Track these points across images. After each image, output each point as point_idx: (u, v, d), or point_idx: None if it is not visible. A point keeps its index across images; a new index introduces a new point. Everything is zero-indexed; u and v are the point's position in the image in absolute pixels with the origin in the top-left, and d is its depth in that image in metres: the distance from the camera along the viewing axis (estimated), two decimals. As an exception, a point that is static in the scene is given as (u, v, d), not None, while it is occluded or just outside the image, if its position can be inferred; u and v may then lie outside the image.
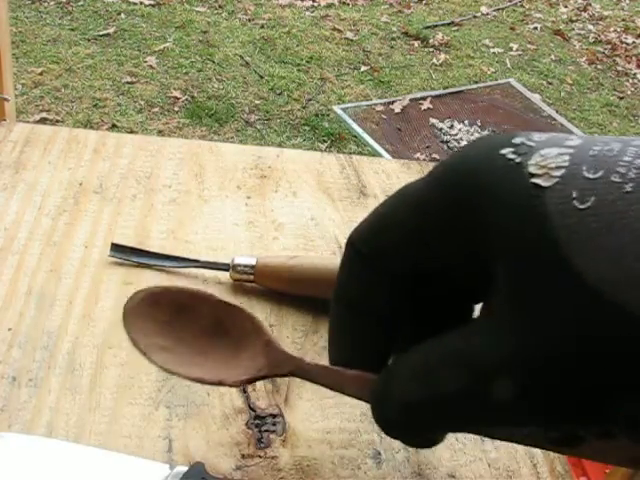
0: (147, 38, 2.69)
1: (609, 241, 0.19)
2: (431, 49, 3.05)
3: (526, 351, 0.20)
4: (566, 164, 0.20)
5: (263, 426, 0.38)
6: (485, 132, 2.50)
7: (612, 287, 0.18)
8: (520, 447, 0.40)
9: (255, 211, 0.53)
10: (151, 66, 2.52)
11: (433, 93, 2.70)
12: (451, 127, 2.49)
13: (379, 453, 0.38)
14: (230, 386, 0.33)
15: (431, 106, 2.61)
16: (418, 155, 2.31)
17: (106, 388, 0.39)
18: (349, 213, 0.55)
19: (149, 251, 0.47)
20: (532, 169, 0.21)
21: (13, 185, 0.52)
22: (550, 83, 2.98)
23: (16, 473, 0.33)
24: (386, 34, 3.11)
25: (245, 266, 0.45)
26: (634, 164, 0.19)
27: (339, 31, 3.05)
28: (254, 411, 0.39)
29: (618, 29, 3.63)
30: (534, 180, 0.21)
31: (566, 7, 3.76)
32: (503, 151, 0.22)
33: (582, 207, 0.19)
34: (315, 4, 3.23)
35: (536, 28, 3.44)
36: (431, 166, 0.63)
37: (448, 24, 3.30)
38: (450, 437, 0.39)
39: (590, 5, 3.83)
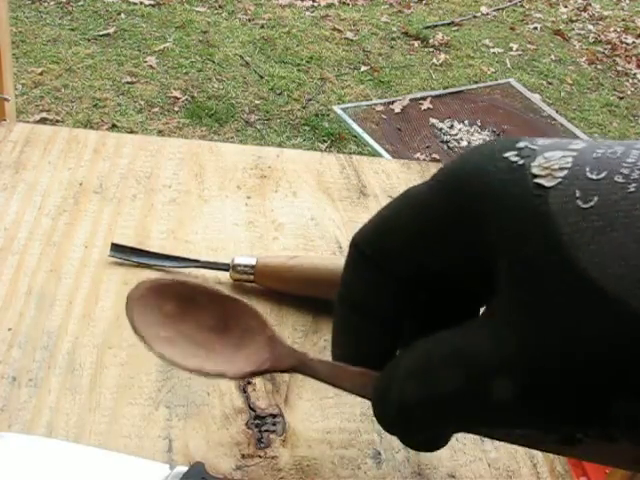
0: (147, 38, 2.69)
1: (612, 240, 0.19)
2: (431, 49, 3.05)
3: (527, 351, 0.20)
4: (569, 165, 0.21)
5: (263, 426, 0.38)
6: (485, 132, 2.50)
7: (616, 285, 0.18)
8: (520, 447, 0.40)
9: (255, 211, 0.53)
10: (151, 66, 2.52)
11: (433, 93, 2.70)
12: (451, 127, 2.49)
13: (379, 453, 0.38)
14: (231, 379, 0.32)
15: (431, 106, 2.61)
16: (418, 155, 2.31)
17: (106, 388, 0.39)
18: (349, 213, 0.55)
19: (149, 251, 0.47)
20: (535, 170, 0.21)
21: (13, 185, 0.52)
22: (550, 83, 2.98)
23: (16, 473, 0.33)
24: (386, 34, 3.11)
25: (245, 266, 0.45)
26: (637, 165, 0.20)
27: (339, 31, 3.05)
28: (254, 411, 0.39)
29: (618, 29, 3.63)
30: (537, 180, 0.21)
31: (566, 7, 3.76)
32: (506, 154, 0.22)
33: (585, 206, 0.19)
34: (315, 4, 3.23)
35: (536, 28, 3.44)
36: (431, 166, 0.63)
37: (448, 24, 3.30)
38: (450, 437, 0.39)
39: (590, 5, 3.83)
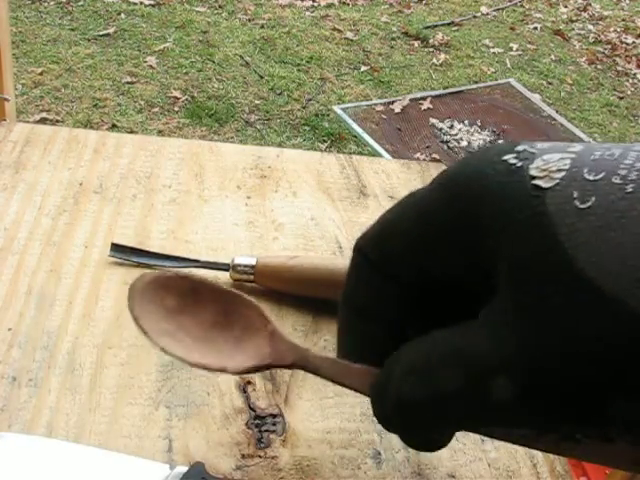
0: (147, 38, 2.69)
1: (610, 240, 0.19)
2: (431, 49, 3.05)
3: (527, 351, 0.20)
4: (567, 167, 0.21)
5: (263, 426, 0.38)
6: (485, 132, 2.50)
7: (613, 285, 0.18)
8: (520, 447, 0.40)
9: (255, 211, 0.53)
10: (151, 66, 2.52)
11: (433, 93, 2.70)
12: (451, 127, 2.49)
13: (379, 453, 0.38)
14: (232, 373, 0.32)
15: (431, 106, 2.61)
16: (418, 155, 2.31)
17: (106, 388, 0.39)
18: (349, 213, 0.55)
19: (149, 251, 0.47)
20: (533, 172, 0.21)
21: (13, 185, 0.52)
22: (550, 83, 2.98)
23: (16, 473, 0.33)
24: (386, 34, 3.11)
25: (245, 266, 0.45)
26: (635, 167, 0.20)
27: (339, 31, 3.05)
28: (254, 411, 0.39)
29: (618, 29, 3.63)
30: (535, 182, 0.21)
31: (566, 7, 3.76)
32: (505, 157, 0.22)
33: (583, 207, 0.20)
34: (315, 4, 3.23)
35: (536, 28, 3.44)
36: (431, 166, 0.63)
37: (448, 24, 3.30)
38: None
39: (590, 5, 3.83)
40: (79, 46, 2.56)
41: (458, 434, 0.39)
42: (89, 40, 2.61)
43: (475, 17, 3.42)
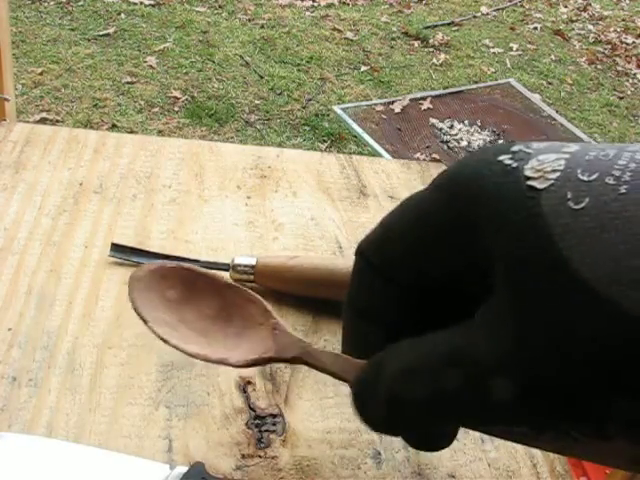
0: (147, 38, 2.69)
1: (603, 241, 0.19)
2: (431, 49, 3.05)
3: (525, 351, 0.20)
4: (562, 167, 0.21)
5: (263, 426, 0.38)
6: (485, 132, 2.50)
7: (607, 286, 0.18)
8: (520, 447, 0.40)
9: (255, 211, 0.53)
10: (151, 66, 2.52)
11: (433, 93, 2.70)
12: (451, 127, 2.49)
13: (379, 453, 0.38)
14: (234, 366, 0.32)
15: (431, 106, 2.61)
16: (418, 155, 2.31)
17: (106, 388, 0.39)
18: (349, 213, 0.55)
19: (149, 251, 0.47)
20: (528, 173, 0.21)
21: (13, 185, 0.52)
22: (550, 83, 2.98)
23: (16, 473, 0.33)
24: (386, 34, 3.11)
25: (245, 266, 0.45)
26: (629, 167, 0.20)
27: (339, 31, 3.05)
28: (254, 411, 0.39)
29: (618, 29, 3.63)
30: (530, 183, 0.21)
31: (566, 7, 3.76)
32: (501, 158, 0.22)
33: (577, 207, 0.20)
34: (315, 4, 3.23)
35: (536, 28, 3.44)
36: (431, 166, 0.63)
37: (448, 24, 3.30)
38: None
39: (590, 5, 3.83)
40: (79, 46, 2.56)
41: (458, 434, 0.39)
42: (89, 40, 2.61)
43: (475, 17, 3.42)
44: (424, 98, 2.64)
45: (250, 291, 0.34)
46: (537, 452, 0.40)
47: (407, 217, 0.26)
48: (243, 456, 0.36)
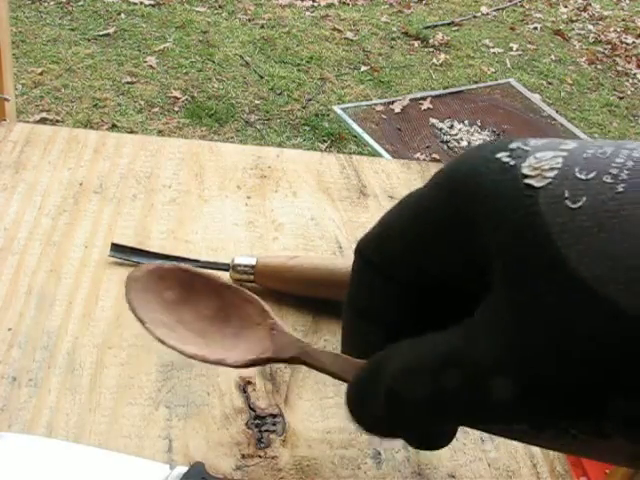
0: (147, 38, 2.69)
1: (601, 240, 0.19)
2: (431, 49, 3.05)
3: (524, 351, 0.20)
4: (559, 165, 0.21)
5: (263, 426, 0.38)
6: (485, 132, 2.50)
7: (605, 285, 0.18)
8: (520, 447, 0.40)
9: (255, 211, 0.53)
10: (151, 66, 2.52)
11: (433, 93, 2.70)
12: (451, 127, 2.49)
13: (379, 453, 0.38)
14: (232, 366, 0.32)
15: (431, 106, 2.61)
16: (418, 155, 2.31)
17: (106, 388, 0.39)
18: (349, 213, 0.55)
19: (149, 251, 0.47)
20: (526, 170, 0.21)
21: (13, 185, 0.52)
22: (550, 83, 2.98)
23: (16, 473, 0.33)
24: (386, 34, 3.11)
25: (245, 266, 0.45)
26: (626, 165, 0.20)
27: (339, 31, 3.05)
28: (254, 411, 0.39)
29: (618, 29, 3.63)
30: (527, 181, 0.21)
31: (566, 7, 3.76)
32: (499, 155, 0.22)
33: (574, 207, 0.20)
34: (315, 4, 3.23)
35: (536, 28, 3.44)
36: (431, 166, 0.63)
37: (448, 24, 3.30)
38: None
39: (590, 5, 3.83)
40: (79, 46, 2.56)
41: (458, 434, 0.39)
42: (89, 40, 2.61)
43: (475, 17, 3.42)
44: (424, 98, 2.64)
45: (248, 291, 0.33)
46: (537, 452, 0.40)
47: (406, 215, 0.26)
48: (243, 456, 0.36)
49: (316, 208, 0.54)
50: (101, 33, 2.66)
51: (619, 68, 3.22)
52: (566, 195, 0.20)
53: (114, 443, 0.36)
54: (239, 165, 0.58)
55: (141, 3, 2.90)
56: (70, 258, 0.46)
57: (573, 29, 3.54)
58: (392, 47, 3.02)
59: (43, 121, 2.11)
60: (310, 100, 2.51)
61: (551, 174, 0.21)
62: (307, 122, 2.38)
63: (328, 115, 2.45)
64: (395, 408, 0.24)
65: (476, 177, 0.22)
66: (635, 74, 3.19)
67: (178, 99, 2.36)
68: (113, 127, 2.15)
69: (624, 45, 3.46)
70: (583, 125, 2.69)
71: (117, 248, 0.47)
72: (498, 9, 3.55)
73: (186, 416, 0.38)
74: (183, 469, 0.34)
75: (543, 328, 0.20)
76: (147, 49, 2.62)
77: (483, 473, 0.38)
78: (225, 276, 0.46)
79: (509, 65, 3.05)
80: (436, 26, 3.25)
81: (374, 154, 2.23)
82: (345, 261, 0.46)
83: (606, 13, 3.79)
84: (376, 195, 0.57)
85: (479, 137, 2.46)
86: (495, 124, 2.55)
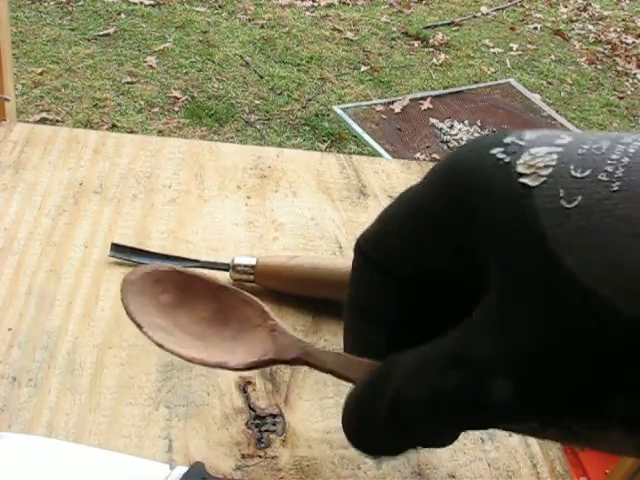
0: (147, 38, 2.69)
1: (596, 240, 0.19)
2: (431, 49, 3.05)
3: (522, 351, 0.20)
4: (554, 163, 0.21)
5: (263, 426, 0.38)
6: (485, 132, 2.50)
7: (601, 286, 0.18)
8: (520, 447, 0.40)
9: (255, 211, 0.53)
10: (151, 66, 2.52)
11: (433, 93, 2.70)
12: (451, 127, 2.49)
13: (379, 453, 0.38)
14: (233, 369, 0.31)
15: (431, 106, 2.61)
16: (418, 155, 2.31)
17: (106, 388, 0.39)
18: (349, 213, 0.55)
19: (149, 251, 0.47)
20: (520, 168, 0.21)
21: (13, 185, 0.52)
22: (550, 83, 2.98)
23: (16, 473, 0.33)
24: (386, 34, 3.11)
25: (245, 266, 0.45)
26: (622, 162, 0.20)
27: (339, 31, 3.05)
28: (254, 411, 0.39)
29: (618, 29, 3.63)
30: (522, 180, 0.21)
31: (566, 7, 3.76)
32: (493, 151, 0.22)
33: (569, 206, 0.20)
34: (315, 4, 3.23)
35: (536, 28, 3.44)
36: (431, 166, 0.63)
37: (448, 24, 3.30)
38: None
39: (590, 5, 3.83)
40: (79, 46, 2.56)
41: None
42: (89, 40, 2.61)
43: (475, 17, 3.42)
44: (424, 98, 2.64)
45: (247, 293, 0.33)
46: (537, 452, 0.40)
47: (403, 211, 0.25)
48: (243, 456, 0.36)
49: (316, 208, 0.54)
50: (101, 33, 2.66)
51: (619, 68, 3.22)
52: (561, 194, 0.20)
53: (114, 443, 0.36)
54: (239, 165, 0.58)
55: (141, 3, 2.90)
56: (70, 258, 0.46)
57: (573, 29, 3.54)
58: (392, 47, 3.02)
59: (43, 121, 2.11)
60: (310, 100, 2.51)
61: (546, 172, 0.21)
62: (307, 122, 2.38)
63: (328, 115, 2.45)
64: (398, 413, 0.24)
65: (470, 175, 0.22)
66: (635, 74, 3.19)
67: (178, 99, 2.37)
68: (113, 127, 2.15)
69: (624, 45, 3.46)
70: (583, 125, 2.69)
71: (117, 248, 0.47)
72: (498, 9, 3.55)
73: (186, 416, 0.38)
74: (183, 469, 0.34)
75: (540, 329, 0.20)
76: (147, 49, 2.62)
77: (483, 473, 0.38)
78: (225, 276, 0.46)
79: (509, 65, 3.05)
80: (436, 26, 3.25)
81: (374, 154, 2.23)
82: (345, 261, 0.46)
83: (606, 13, 3.79)
84: (376, 195, 0.57)
85: (479, 137, 2.45)
86: (495, 124, 2.55)
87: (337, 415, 0.39)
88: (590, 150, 0.20)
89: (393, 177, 0.59)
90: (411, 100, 2.62)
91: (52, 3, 2.80)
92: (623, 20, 3.74)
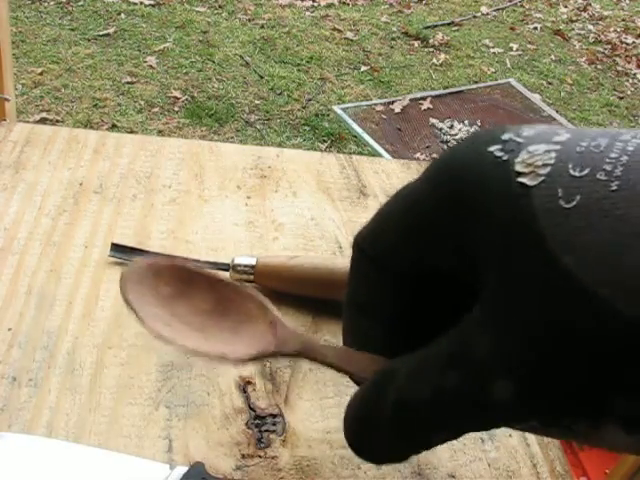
0: (147, 38, 2.69)
1: (595, 241, 0.19)
2: (431, 49, 3.05)
3: (520, 350, 0.20)
4: (552, 161, 0.21)
5: (263, 426, 0.38)
6: (485, 132, 2.49)
7: (600, 286, 0.18)
8: (520, 447, 0.40)
9: (255, 211, 0.53)
10: (151, 66, 2.52)
11: (433, 93, 2.70)
12: (451, 127, 2.49)
13: (379, 453, 0.38)
14: (233, 362, 0.31)
15: (431, 106, 2.61)
16: (418, 155, 2.31)
17: (106, 388, 0.39)
18: (349, 213, 0.55)
19: (149, 251, 0.47)
20: (518, 167, 0.21)
21: (13, 185, 0.52)
22: (550, 83, 2.98)
23: (16, 473, 0.33)
24: (386, 34, 3.11)
25: (245, 266, 0.45)
26: (620, 161, 0.19)
27: (339, 31, 3.05)
28: (254, 411, 0.39)
29: (618, 29, 3.63)
30: (520, 179, 0.21)
31: (566, 7, 3.76)
32: (491, 148, 0.22)
33: (568, 206, 0.19)
34: (315, 4, 3.23)
35: (536, 28, 3.44)
36: (431, 166, 0.63)
37: (448, 24, 3.30)
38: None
39: (590, 5, 3.83)
40: (79, 46, 2.56)
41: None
42: (89, 40, 2.61)
43: (475, 17, 3.42)
44: (424, 98, 2.64)
45: (248, 286, 0.33)
46: (537, 452, 0.40)
47: (399, 207, 0.26)
48: (243, 456, 0.36)
49: (316, 208, 0.54)
50: (101, 33, 2.66)
51: (619, 68, 3.22)
52: (560, 194, 0.20)
53: (114, 443, 0.36)
54: (239, 165, 0.58)
55: (141, 3, 2.90)
56: (70, 258, 0.46)
57: (573, 29, 3.54)
58: (392, 47, 3.02)
59: (43, 121, 2.11)
60: (310, 100, 2.51)
61: (544, 171, 0.20)
62: (307, 122, 2.38)
63: (328, 115, 2.45)
64: (401, 413, 0.24)
65: (468, 173, 0.22)
66: (635, 74, 3.19)
67: (178, 99, 2.37)
68: (113, 127, 2.15)
69: (624, 45, 3.46)
70: (583, 125, 2.69)
71: (117, 248, 0.47)
72: (498, 9, 3.55)
73: (186, 416, 0.38)
74: (183, 469, 0.34)
75: (540, 329, 0.19)
76: (147, 49, 2.62)
77: (483, 473, 0.38)
78: (225, 276, 0.46)
79: (509, 65, 3.05)
80: (436, 26, 3.25)
81: (374, 154, 2.23)
82: (345, 261, 0.45)
83: (606, 13, 3.79)
84: (376, 195, 0.57)
85: (479, 137, 2.45)
86: (495, 124, 2.55)
87: (337, 415, 0.39)
88: (588, 148, 0.20)
89: (393, 177, 0.59)
90: (411, 100, 2.62)
91: (52, 3, 2.80)
92: (623, 20, 3.74)
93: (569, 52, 3.28)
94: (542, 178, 0.20)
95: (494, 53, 3.12)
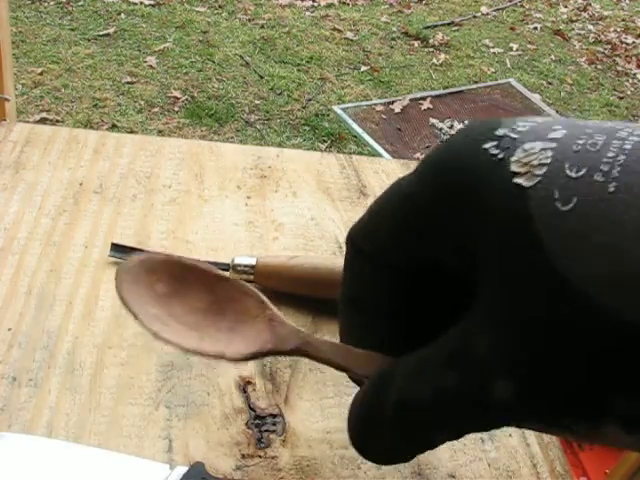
0: (147, 38, 2.69)
1: (592, 244, 0.19)
2: (431, 49, 3.05)
3: (519, 351, 0.20)
4: (548, 161, 0.20)
5: (263, 426, 0.38)
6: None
7: (599, 288, 0.18)
8: (520, 447, 0.40)
9: (255, 211, 0.53)
10: (151, 66, 2.52)
11: (433, 93, 2.70)
12: (451, 127, 2.49)
13: (379, 453, 0.38)
14: (231, 360, 0.31)
15: (431, 106, 2.61)
16: (418, 155, 2.31)
17: (106, 388, 0.39)
18: (349, 213, 0.55)
19: (149, 251, 0.47)
20: (514, 167, 0.21)
21: (13, 185, 0.52)
22: (550, 83, 2.98)
23: (16, 473, 0.33)
24: (386, 34, 3.11)
25: (245, 266, 0.45)
26: (618, 160, 0.19)
27: (339, 31, 3.05)
28: (254, 411, 0.39)
29: (618, 29, 3.63)
30: (516, 180, 0.20)
31: (566, 7, 3.76)
32: (486, 145, 0.22)
33: (564, 209, 0.19)
34: (315, 4, 3.23)
35: (536, 28, 3.44)
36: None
37: (448, 24, 3.30)
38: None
39: (590, 5, 3.83)
40: (79, 46, 2.56)
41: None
42: (89, 40, 2.61)
43: (475, 17, 3.43)
44: (424, 98, 2.64)
45: (245, 283, 0.33)
46: (537, 452, 0.40)
47: (393, 201, 0.25)
48: (243, 456, 0.36)
49: (316, 208, 0.54)
50: (101, 33, 2.66)
51: (619, 68, 3.22)
52: (556, 196, 0.20)
53: (114, 443, 0.36)
54: (239, 165, 0.58)
55: (141, 3, 2.90)
56: (70, 258, 0.46)
57: (573, 29, 3.54)
58: (392, 47, 3.02)
59: (43, 121, 2.11)
60: (310, 100, 2.51)
61: (540, 171, 0.20)
62: (307, 122, 2.38)
63: (328, 115, 2.45)
64: (402, 413, 0.24)
65: (462, 171, 0.22)
66: (635, 74, 3.19)
67: (178, 99, 2.37)
68: (113, 127, 2.15)
69: (624, 45, 3.46)
70: (583, 125, 2.69)
71: (117, 248, 0.47)
72: (498, 9, 3.55)
73: (186, 416, 0.38)
74: (183, 469, 0.34)
75: (540, 330, 0.19)
76: (147, 49, 2.62)
77: (483, 473, 0.38)
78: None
79: (509, 65, 3.05)
80: (436, 26, 3.25)
81: (374, 154, 2.23)
82: (345, 261, 0.45)
83: (606, 13, 3.79)
84: (376, 195, 0.57)
85: (479, 137, 2.45)
86: (495, 124, 2.55)
87: (337, 415, 0.39)
88: (585, 146, 0.20)
89: (393, 177, 0.59)
90: (411, 100, 2.62)
91: (52, 3, 2.80)
92: (623, 20, 3.75)
93: (569, 52, 3.28)
94: (538, 179, 0.20)
95: (494, 53, 3.12)
